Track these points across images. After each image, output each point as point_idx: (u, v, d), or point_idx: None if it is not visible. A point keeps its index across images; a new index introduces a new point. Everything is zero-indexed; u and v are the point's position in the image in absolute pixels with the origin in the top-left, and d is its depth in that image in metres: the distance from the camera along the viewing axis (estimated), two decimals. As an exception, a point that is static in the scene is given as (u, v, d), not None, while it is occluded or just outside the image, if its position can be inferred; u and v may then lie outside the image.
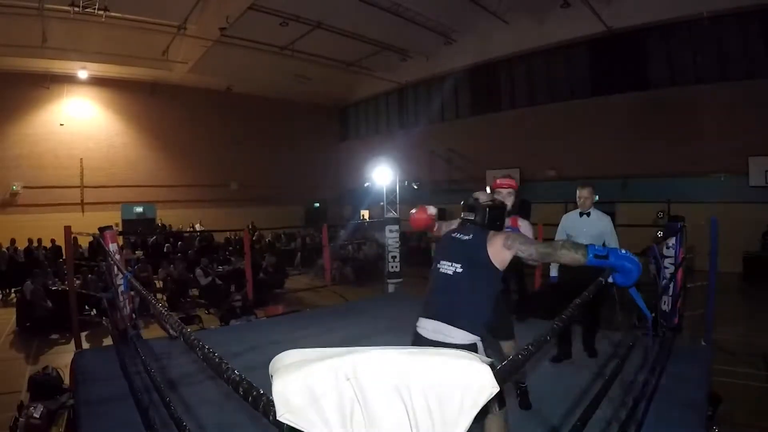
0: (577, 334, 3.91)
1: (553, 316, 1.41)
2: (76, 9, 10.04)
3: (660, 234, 4.68)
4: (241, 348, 4.12)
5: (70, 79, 14.29)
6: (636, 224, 8.71)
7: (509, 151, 14.12)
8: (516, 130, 14.04)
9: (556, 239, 3.76)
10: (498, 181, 2.90)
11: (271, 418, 0.70)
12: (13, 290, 9.23)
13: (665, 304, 4.02)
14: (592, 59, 12.74)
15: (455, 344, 1.82)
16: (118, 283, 4.10)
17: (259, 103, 17.87)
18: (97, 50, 12.35)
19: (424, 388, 0.69)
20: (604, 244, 3.53)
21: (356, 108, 20.46)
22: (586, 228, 3.69)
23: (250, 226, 12.05)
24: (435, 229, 2.55)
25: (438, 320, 1.90)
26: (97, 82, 14.82)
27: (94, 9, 10.18)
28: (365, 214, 16.47)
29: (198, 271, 8.73)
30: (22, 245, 11.33)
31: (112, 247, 4.39)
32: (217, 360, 0.93)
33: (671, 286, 3.93)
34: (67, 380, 3.99)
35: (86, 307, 7.00)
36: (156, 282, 9.33)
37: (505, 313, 2.78)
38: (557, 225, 3.97)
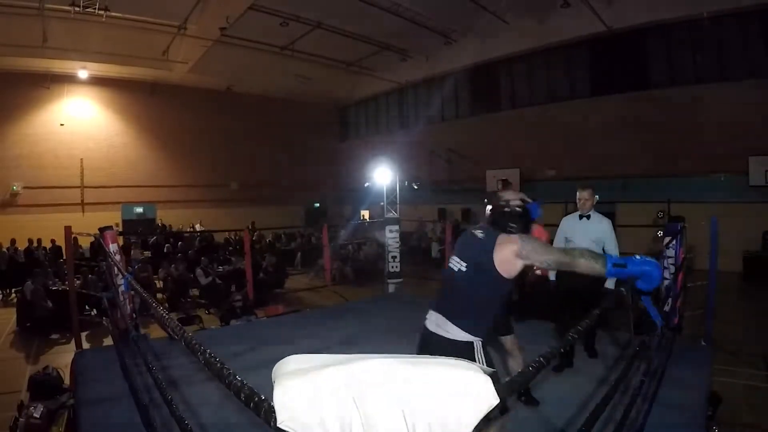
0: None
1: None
2: (77, 9, 10.05)
3: (660, 234, 4.68)
4: (241, 348, 4.13)
5: (70, 79, 14.29)
6: (636, 224, 8.73)
7: (509, 151, 14.10)
8: (516, 130, 14.02)
9: (554, 244, 3.74)
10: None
11: (271, 424, 0.70)
12: (13, 290, 9.22)
13: (666, 305, 4.03)
14: (592, 59, 12.72)
15: (453, 340, 1.84)
16: (118, 283, 4.10)
17: (259, 103, 17.85)
18: (98, 50, 12.35)
19: (424, 399, 0.69)
20: (603, 250, 3.51)
21: (356, 108, 20.44)
22: (586, 232, 3.58)
23: (250, 226, 12.06)
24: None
25: (440, 314, 1.92)
26: (97, 82, 14.82)
27: (95, 9, 10.18)
28: (365, 214, 16.43)
29: (198, 271, 8.72)
30: (22, 245, 11.33)
31: (113, 247, 4.40)
32: (218, 365, 0.93)
33: (672, 286, 3.93)
34: (67, 380, 3.99)
35: (86, 307, 7.00)
36: (156, 282, 9.34)
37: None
38: (557, 225, 3.93)
